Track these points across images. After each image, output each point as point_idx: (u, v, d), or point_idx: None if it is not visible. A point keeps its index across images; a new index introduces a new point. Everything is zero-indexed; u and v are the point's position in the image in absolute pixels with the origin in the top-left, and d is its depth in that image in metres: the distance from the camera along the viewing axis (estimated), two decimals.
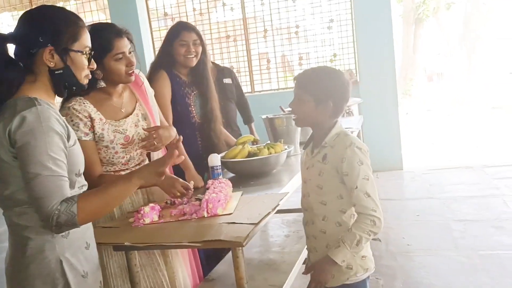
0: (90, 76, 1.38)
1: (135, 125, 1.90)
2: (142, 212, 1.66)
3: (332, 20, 5.61)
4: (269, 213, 1.59)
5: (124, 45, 1.80)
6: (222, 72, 3.63)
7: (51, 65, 1.27)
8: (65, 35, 1.28)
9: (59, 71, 1.28)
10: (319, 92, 1.54)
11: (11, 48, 1.31)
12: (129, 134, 1.86)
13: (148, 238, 1.53)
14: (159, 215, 1.70)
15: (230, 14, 6.00)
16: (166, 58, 2.44)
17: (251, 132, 3.69)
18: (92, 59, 1.36)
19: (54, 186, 1.17)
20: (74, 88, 1.34)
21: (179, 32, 2.42)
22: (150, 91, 2.06)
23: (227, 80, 3.57)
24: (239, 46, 6.03)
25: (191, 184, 1.87)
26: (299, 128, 2.75)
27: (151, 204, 1.70)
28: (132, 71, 1.83)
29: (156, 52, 3.64)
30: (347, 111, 4.52)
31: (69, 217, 1.17)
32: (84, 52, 1.32)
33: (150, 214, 1.67)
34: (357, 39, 5.46)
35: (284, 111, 3.12)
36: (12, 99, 1.22)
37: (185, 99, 2.45)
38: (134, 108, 1.93)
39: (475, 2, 12.11)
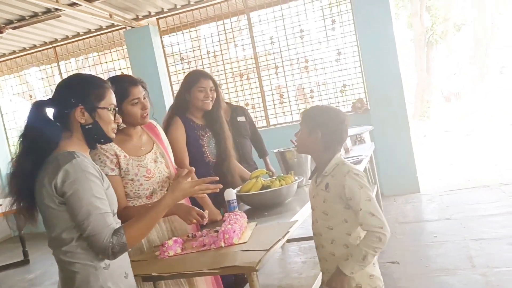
0: (116, 130, 1.62)
1: (155, 161, 2.14)
2: (166, 245, 1.86)
3: (339, 53, 5.85)
4: (279, 240, 1.77)
5: (139, 91, 2.08)
6: (236, 111, 3.87)
7: (82, 121, 1.51)
8: (92, 95, 1.53)
9: (89, 126, 1.52)
10: (310, 122, 1.80)
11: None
12: (150, 168, 2.10)
13: (172, 268, 1.73)
14: (182, 247, 1.90)
15: (242, 53, 6.33)
16: (182, 104, 2.71)
17: (266, 165, 3.89)
18: (117, 115, 1.60)
19: (104, 222, 1.41)
20: (102, 140, 1.57)
21: (198, 79, 2.70)
22: (164, 136, 2.34)
23: (241, 118, 3.80)
24: (252, 83, 6.32)
25: (205, 213, 2.07)
26: (309, 160, 2.94)
27: (174, 238, 1.90)
28: (146, 114, 2.10)
29: (174, 95, 3.92)
30: (359, 139, 4.68)
31: (121, 247, 1.44)
32: (109, 109, 1.56)
33: (174, 246, 1.86)
34: (364, 69, 5.68)
35: (295, 144, 3.31)
36: (53, 154, 1.46)
37: (198, 141, 2.70)
38: (152, 148, 2.18)
39: (483, 21, 12.27)
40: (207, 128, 2.77)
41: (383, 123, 5.51)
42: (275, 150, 2.99)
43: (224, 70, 6.38)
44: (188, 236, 2.08)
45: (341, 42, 5.86)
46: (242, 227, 1.97)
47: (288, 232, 1.86)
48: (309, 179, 1.92)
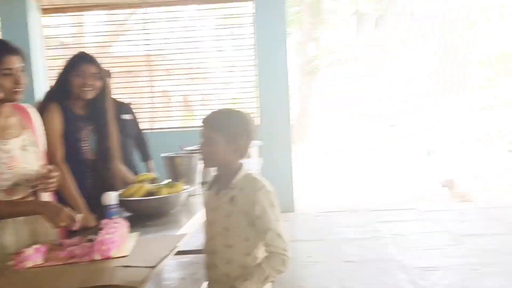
0: None
1: (22, 149, 1.79)
2: (24, 254, 1.51)
3: (234, 65, 5.81)
4: (167, 256, 1.54)
5: (14, 61, 1.74)
6: (121, 107, 3.55)
7: None
8: None
9: None
10: (230, 132, 1.57)
11: None
12: (14, 155, 1.75)
13: (28, 284, 1.39)
14: (44, 258, 1.56)
15: (133, 49, 5.92)
16: (61, 89, 2.32)
17: (149, 170, 3.61)
18: None
19: None
20: None
21: (78, 63, 2.32)
22: (38, 124, 1.96)
23: (126, 116, 3.50)
24: (140, 82, 5.93)
25: (79, 216, 1.76)
26: (199, 168, 2.75)
27: (36, 246, 1.55)
28: (20, 89, 1.76)
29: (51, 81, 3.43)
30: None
31: None
32: None
33: (34, 256, 1.52)
34: (260, 84, 5.69)
35: (183, 150, 3.11)
36: None
37: (75, 133, 2.32)
38: (21, 134, 1.82)
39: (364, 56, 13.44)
40: (89, 120, 2.40)
41: (271, 141, 5.57)
42: (164, 154, 2.74)
43: (112, 64, 5.89)
44: (53, 243, 1.74)
45: (237, 54, 5.83)
46: (123, 237, 1.70)
47: (176, 246, 1.65)
48: (208, 189, 1.72)
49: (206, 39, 5.83)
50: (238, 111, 1.70)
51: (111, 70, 5.70)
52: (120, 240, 1.63)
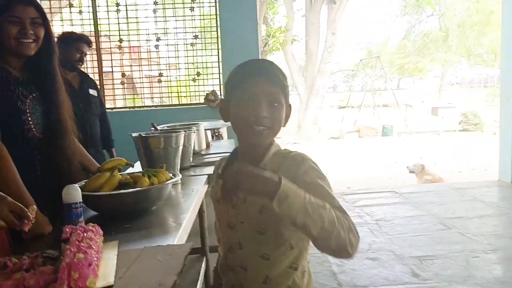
0: None
1: None
2: None
3: (196, 37, 5.20)
4: (175, 283, 1.02)
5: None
6: (87, 80, 2.97)
7: None
8: None
9: None
10: (288, 92, 1.15)
11: None
12: None
13: None
14: None
15: (78, 23, 5.12)
16: None
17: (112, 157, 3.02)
18: None
19: None
20: None
21: (10, 3, 1.65)
22: None
23: (92, 92, 2.92)
24: (88, 61, 5.16)
25: (32, 209, 1.20)
26: (179, 151, 2.21)
27: None
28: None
29: None
30: (217, 133, 4.10)
31: None
32: None
33: None
34: (222, 58, 5.13)
35: (157, 129, 2.53)
36: None
37: (17, 103, 1.68)
38: None
39: (316, 38, 13.11)
40: (32, 85, 1.76)
41: None
42: (135, 134, 2.15)
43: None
44: None
45: (198, 24, 5.22)
46: (99, 253, 1.15)
47: (184, 265, 1.12)
48: (221, 177, 1.20)
49: (165, 6, 5.17)
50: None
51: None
52: (97, 259, 1.08)
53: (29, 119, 1.71)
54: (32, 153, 1.74)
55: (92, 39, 5.06)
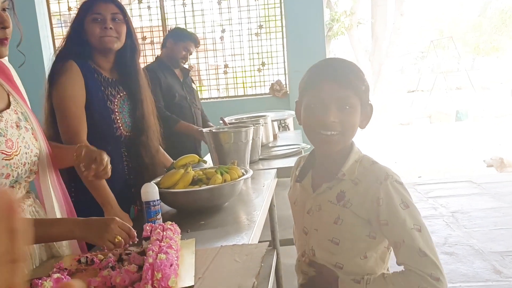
0: None
1: (17, 126, 1.23)
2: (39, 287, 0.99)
3: (261, 26, 5.18)
4: (254, 285, 1.02)
5: None
6: (188, 74, 3.13)
7: None
8: None
9: None
10: (364, 92, 1.10)
11: None
12: (12, 137, 1.19)
13: None
14: None
15: (146, 18, 5.30)
16: (78, 44, 1.72)
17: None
18: None
19: None
20: None
21: (92, 3, 1.72)
22: (21, 85, 1.38)
23: (194, 86, 3.08)
24: (157, 49, 5.33)
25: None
26: (249, 145, 2.22)
27: (56, 275, 1.03)
28: (5, 38, 1.16)
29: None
30: (283, 124, 4.08)
31: None
32: None
33: None
34: (287, 48, 5.07)
35: (226, 124, 2.56)
36: None
37: (107, 103, 1.74)
38: (9, 103, 1.25)
39: (383, 20, 12.62)
40: (120, 84, 1.82)
41: None
42: (206, 130, 2.19)
43: None
44: (78, 260, 1.22)
45: (263, 14, 5.19)
46: (178, 252, 1.18)
47: (261, 266, 1.12)
48: (297, 181, 1.19)
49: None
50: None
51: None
52: (177, 258, 1.11)
53: (117, 118, 1.78)
54: (120, 151, 1.82)
55: (160, 33, 5.27)
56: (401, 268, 1.04)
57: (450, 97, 14.11)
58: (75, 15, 1.76)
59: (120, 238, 1.13)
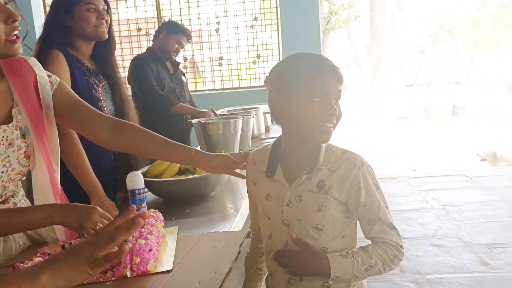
0: None
1: (9, 144, 1.19)
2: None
3: (256, 19, 5.19)
4: (230, 269, 1.05)
5: None
6: (178, 67, 3.17)
7: None
8: None
9: None
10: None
11: None
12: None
13: None
14: None
15: (141, 10, 5.30)
16: (61, 31, 1.74)
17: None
18: None
19: None
20: None
21: None
22: (46, 87, 1.29)
23: (184, 79, 3.11)
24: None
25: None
26: (238, 136, 2.24)
27: (37, 259, 1.06)
28: (16, 33, 1.09)
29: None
30: None
31: None
32: None
33: None
34: (282, 40, 5.09)
35: (216, 115, 2.58)
36: None
37: (92, 91, 1.78)
38: (10, 115, 1.20)
39: (382, 14, 12.60)
40: (100, 73, 1.88)
41: None
42: (195, 121, 2.21)
43: (118, 22, 5.31)
44: (62, 246, 1.25)
45: (258, 6, 5.20)
46: (159, 238, 1.20)
47: (239, 252, 1.15)
48: (268, 176, 1.19)
49: None
50: None
51: (119, 32, 5.27)
52: (157, 244, 1.14)
53: (104, 106, 1.82)
54: None
55: (155, 24, 5.27)
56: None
57: (447, 91, 14.12)
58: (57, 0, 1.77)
59: (101, 225, 1.14)
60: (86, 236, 1.20)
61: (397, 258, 1.08)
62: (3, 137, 1.17)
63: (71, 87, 1.60)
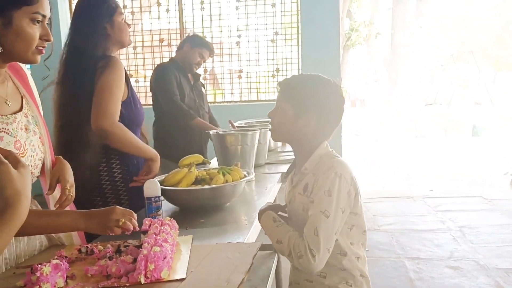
0: None
1: (26, 129, 1.28)
2: (39, 273, 1.04)
3: (277, 33, 5.23)
4: (242, 281, 1.05)
5: (46, 6, 1.21)
6: (199, 79, 3.29)
7: None
8: None
9: None
10: (301, 101, 1.29)
11: None
12: (21, 139, 1.25)
13: None
14: (66, 276, 1.09)
15: (165, 21, 5.40)
16: (105, 40, 1.86)
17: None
18: None
19: None
20: None
21: (117, 3, 1.89)
22: (35, 88, 1.44)
23: (203, 90, 3.19)
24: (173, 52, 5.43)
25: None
26: (255, 149, 2.26)
27: (55, 261, 1.08)
28: (43, 47, 1.23)
29: None
30: None
31: None
32: None
33: (52, 276, 1.05)
34: (302, 55, 5.11)
35: (234, 127, 2.61)
36: None
37: (135, 96, 1.95)
38: (22, 106, 1.31)
39: (402, 32, 12.57)
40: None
41: None
42: (213, 132, 2.24)
43: (142, 33, 5.42)
44: (79, 250, 1.28)
45: (279, 21, 5.24)
46: (174, 247, 1.22)
47: (252, 264, 1.16)
48: (285, 177, 1.48)
49: (247, 3, 5.25)
50: (321, 78, 1.34)
51: (143, 39, 5.37)
52: (171, 252, 1.15)
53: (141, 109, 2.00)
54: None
55: (178, 36, 5.36)
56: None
57: (467, 111, 13.95)
58: (94, 9, 1.83)
59: (124, 220, 1.20)
60: (111, 234, 1.24)
61: (303, 258, 1.19)
62: (20, 122, 1.26)
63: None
